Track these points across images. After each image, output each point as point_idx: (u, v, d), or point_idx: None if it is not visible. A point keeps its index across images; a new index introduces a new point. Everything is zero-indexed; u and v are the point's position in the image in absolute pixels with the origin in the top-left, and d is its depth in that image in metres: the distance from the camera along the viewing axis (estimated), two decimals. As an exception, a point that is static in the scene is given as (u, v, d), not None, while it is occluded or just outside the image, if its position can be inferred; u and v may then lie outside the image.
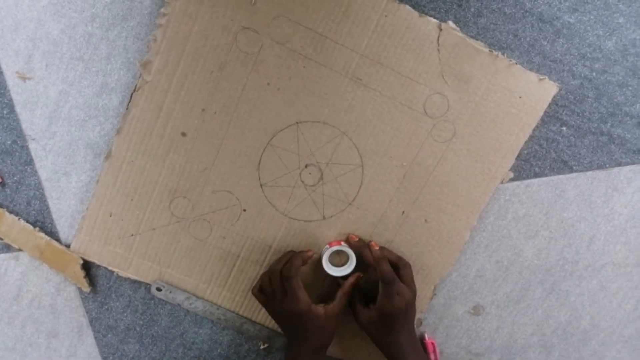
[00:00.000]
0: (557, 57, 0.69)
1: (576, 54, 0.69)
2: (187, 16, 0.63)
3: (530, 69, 0.68)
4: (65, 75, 0.67)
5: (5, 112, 0.68)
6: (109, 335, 0.77)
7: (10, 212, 0.71)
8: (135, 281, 0.75)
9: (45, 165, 0.70)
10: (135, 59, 0.67)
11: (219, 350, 0.79)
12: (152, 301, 0.76)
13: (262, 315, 0.77)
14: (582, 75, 0.70)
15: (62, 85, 0.67)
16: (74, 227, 0.72)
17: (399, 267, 0.69)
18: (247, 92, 0.67)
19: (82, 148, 0.70)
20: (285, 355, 0.71)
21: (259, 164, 0.70)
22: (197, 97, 0.67)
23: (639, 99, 0.71)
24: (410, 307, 0.69)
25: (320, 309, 0.68)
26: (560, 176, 0.74)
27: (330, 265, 0.72)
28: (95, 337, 0.77)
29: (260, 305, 0.76)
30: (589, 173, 0.74)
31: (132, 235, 0.72)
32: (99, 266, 0.74)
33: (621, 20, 0.68)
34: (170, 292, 0.74)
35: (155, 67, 0.65)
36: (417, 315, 0.77)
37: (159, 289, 0.74)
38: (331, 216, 0.72)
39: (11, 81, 0.67)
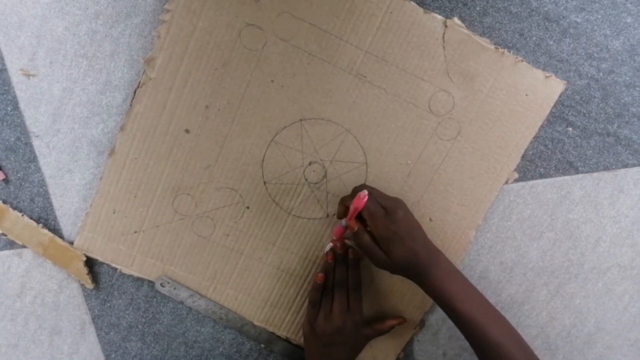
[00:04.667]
0: (563, 57, 0.69)
1: (583, 53, 0.69)
2: (191, 13, 0.63)
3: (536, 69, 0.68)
4: (69, 73, 0.67)
5: (9, 109, 0.68)
6: (112, 333, 0.77)
7: (14, 209, 0.71)
8: (138, 279, 0.75)
9: (49, 162, 0.70)
10: (139, 56, 0.67)
11: (220, 349, 0.79)
12: (155, 299, 0.76)
13: (263, 318, 0.77)
14: (589, 75, 0.69)
15: (66, 82, 0.67)
16: (77, 224, 0.72)
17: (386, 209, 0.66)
18: (251, 89, 0.67)
19: (85, 145, 0.70)
20: None
21: (263, 161, 0.70)
22: (200, 93, 0.66)
23: (646, 100, 0.71)
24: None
25: None
26: (566, 177, 0.73)
27: None
28: (98, 335, 0.77)
29: (262, 306, 0.76)
30: (595, 174, 0.73)
31: (135, 232, 0.72)
32: (101, 264, 0.74)
33: (629, 19, 0.68)
34: (175, 288, 0.74)
35: (158, 64, 0.65)
36: (420, 316, 0.77)
37: (163, 285, 0.74)
38: (335, 214, 0.72)
39: (15, 78, 0.67)
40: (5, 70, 0.67)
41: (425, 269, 0.64)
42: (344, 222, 0.67)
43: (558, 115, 0.71)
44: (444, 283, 0.64)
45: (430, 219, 0.72)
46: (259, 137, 0.69)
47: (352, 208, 0.63)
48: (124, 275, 0.74)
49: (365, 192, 0.60)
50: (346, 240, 0.72)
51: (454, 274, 0.66)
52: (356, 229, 0.64)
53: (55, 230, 0.72)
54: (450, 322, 0.77)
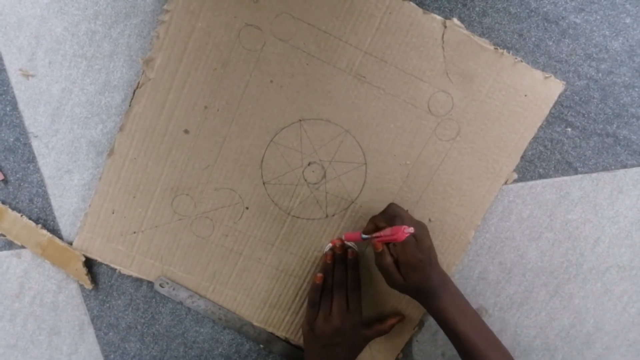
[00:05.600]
0: (562, 58, 0.69)
1: (582, 54, 0.69)
2: (190, 13, 0.63)
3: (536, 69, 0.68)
4: (68, 73, 0.67)
5: (8, 109, 0.68)
6: (110, 333, 0.77)
7: (13, 209, 0.71)
8: (137, 279, 0.75)
9: (48, 162, 0.70)
10: (138, 57, 0.67)
11: (219, 350, 0.79)
12: (154, 300, 0.76)
13: (262, 318, 0.77)
14: (588, 75, 0.70)
15: (65, 82, 0.67)
16: (76, 225, 0.72)
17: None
18: (250, 89, 0.67)
19: (84, 146, 0.70)
20: None
21: (262, 161, 0.70)
22: (199, 94, 0.66)
23: (645, 100, 0.71)
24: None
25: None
26: (565, 178, 0.73)
27: None
28: (97, 335, 0.77)
29: (261, 306, 0.76)
30: (594, 175, 0.73)
31: (134, 232, 0.72)
32: (100, 264, 0.74)
33: (628, 20, 0.68)
34: (174, 288, 0.74)
35: (157, 64, 0.65)
36: (419, 317, 0.77)
37: (162, 285, 0.74)
38: (334, 214, 0.72)
39: (14, 78, 0.67)
40: (4, 70, 0.67)
41: (435, 292, 0.65)
42: (365, 236, 0.67)
43: (557, 115, 0.71)
44: (448, 306, 0.65)
45: (430, 220, 0.72)
46: (258, 137, 0.69)
47: (389, 234, 0.62)
48: (123, 275, 0.74)
49: (412, 229, 0.60)
50: (345, 242, 0.72)
51: (459, 298, 0.68)
52: (380, 250, 0.65)
53: (54, 231, 0.72)
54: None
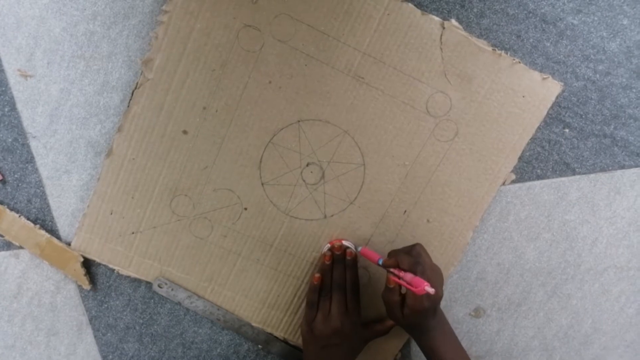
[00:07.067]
0: (560, 59, 0.69)
1: (579, 55, 0.69)
2: (189, 14, 0.63)
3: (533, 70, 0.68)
4: (66, 73, 0.67)
5: (6, 109, 0.68)
6: (109, 334, 0.77)
7: (11, 210, 0.71)
8: (135, 280, 0.75)
9: (46, 163, 0.70)
10: (136, 57, 0.67)
11: (218, 350, 0.79)
12: (152, 300, 0.76)
13: (261, 319, 0.77)
14: (586, 77, 0.70)
15: (63, 83, 0.67)
16: (75, 225, 0.72)
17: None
18: (249, 90, 0.67)
19: (83, 146, 0.70)
20: None
21: (260, 162, 0.70)
22: (198, 95, 0.66)
23: (642, 101, 0.71)
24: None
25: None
26: (563, 178, 0.73)
27: None
28: (95, 336, 0.77)
29: (260, 307, 0.76)
30: (592, 176, 0.73)
31: (132, 233, 0.72)
32: (99, 264, 0.74)
33: (625, 21, 0.68)
34: (172, 289, 0.74)
35: (156, 65, 0.65)
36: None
37: (160, 286, 0.74)
38: (332, 215, 0.72)
39: (13, 79, 0.67)
40: (3, 71, 0.67)
41: (429, 332, 0.66)
42: (382, 262, 0.66)
43: (555, 116, 0.71)
44: (439, 345, 0.66)
45: (428, 220, 0.73)
46: (256, 138, 0.69)
47: (408, 282, 0.61)
48: (122, 276, 0.74)
49: (433, 290, 0.59)
50: (344, 242, 0.72)
51: (451, 338, 0.68)
52: (392, 286, 0.65)
53: (53, 231, 0.72)
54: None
